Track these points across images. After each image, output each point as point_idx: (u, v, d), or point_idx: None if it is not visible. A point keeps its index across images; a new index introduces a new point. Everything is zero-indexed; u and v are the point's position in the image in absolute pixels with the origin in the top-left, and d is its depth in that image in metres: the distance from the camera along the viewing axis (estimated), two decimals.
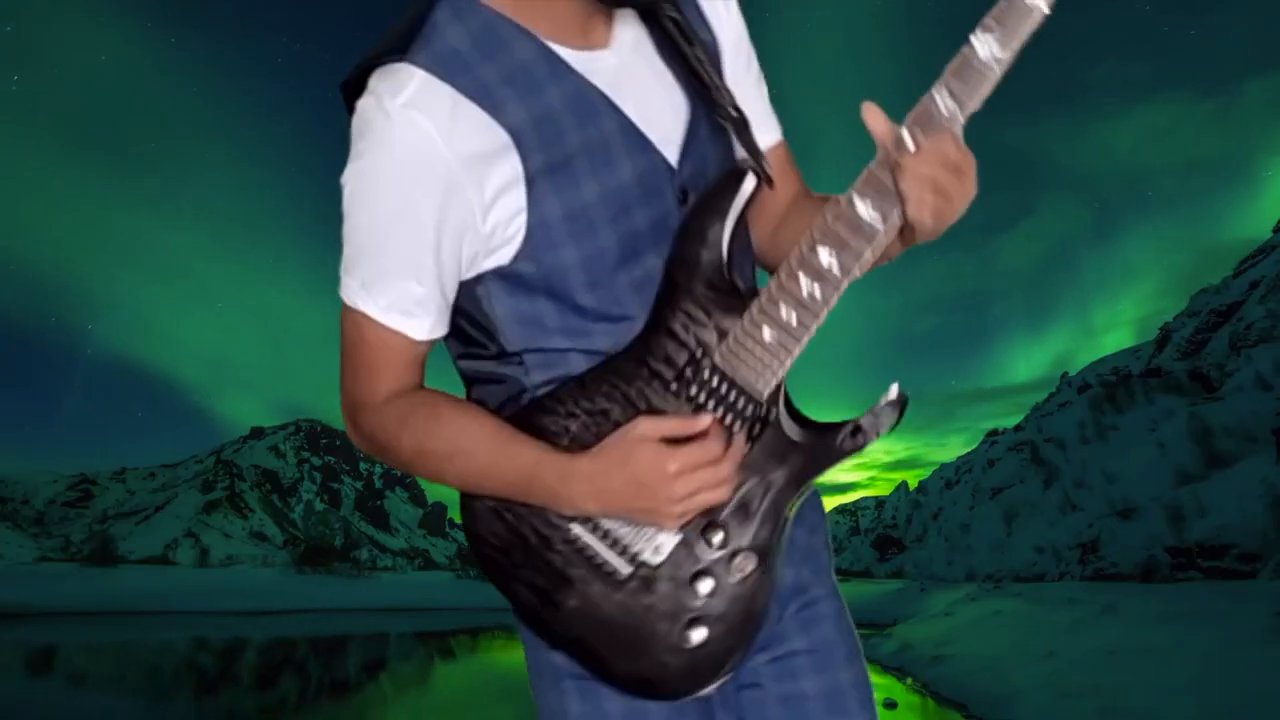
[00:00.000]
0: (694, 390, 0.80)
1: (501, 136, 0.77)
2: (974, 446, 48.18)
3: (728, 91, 0.86)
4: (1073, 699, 7.38)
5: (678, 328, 0.81)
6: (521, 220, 0.80)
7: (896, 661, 14.05)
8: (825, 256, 0.75)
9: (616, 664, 0.82)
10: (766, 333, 0.77)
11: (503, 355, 0.86)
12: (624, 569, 0.82)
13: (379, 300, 0.81)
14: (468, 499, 0.85)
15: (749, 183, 0.80)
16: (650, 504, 0.76)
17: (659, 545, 0.81)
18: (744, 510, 0.81)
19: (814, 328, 0.77)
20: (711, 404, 0.79)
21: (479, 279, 0.84)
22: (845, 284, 0.75)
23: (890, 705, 10.25)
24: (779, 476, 0.80)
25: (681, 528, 0.80)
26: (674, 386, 0.80)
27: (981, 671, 10.39)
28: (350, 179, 0.79)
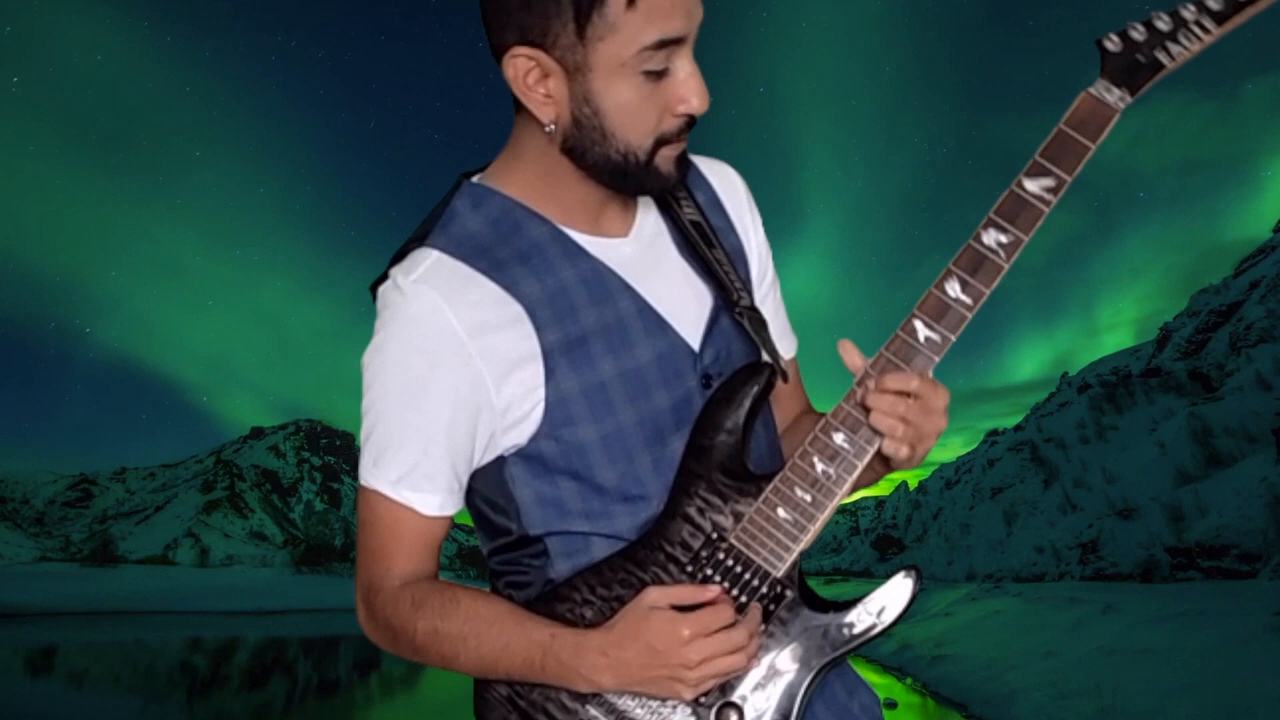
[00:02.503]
0: (709, 571, 0.81)
1: (515, 308, 0.80)
2: (974, 446, 48.17)
3: (749, 291, 0.90)
4: (1072, 699, 7.38)
5: (694, 512, 0.82)
6: (539, 396, 0.81)
7: (896, 661, 14.04)
8: (838, 438, 0.80)
9: None
10: (782, 514, 0.80)
11: (525, 540, 0.86)
12: None
13: (388, 474, 0.82)
14: (481, 687, 0.84)
15: (767, 375, 0.84)
16: (666, 671, 0.75)
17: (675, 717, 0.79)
18: (759, 689, 0.80)
19: (829, 510, 0.80)
20: (726, 584, 0.80)
21: (502, 462, 0.85)
22: (859, 468, 0.80)
23: (890, 705, 10.25)
24: (793, 655, 0.81)
25: (696, 706, 0.79)
26: (689, 569, 0.81)
27: (981, 671, 10.39)
28: (366, 356, 0.83)
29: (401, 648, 0.85)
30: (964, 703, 9.66)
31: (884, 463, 0.83)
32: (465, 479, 0.85)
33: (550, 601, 0.82)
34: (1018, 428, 42.05)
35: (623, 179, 0.81)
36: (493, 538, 0.89)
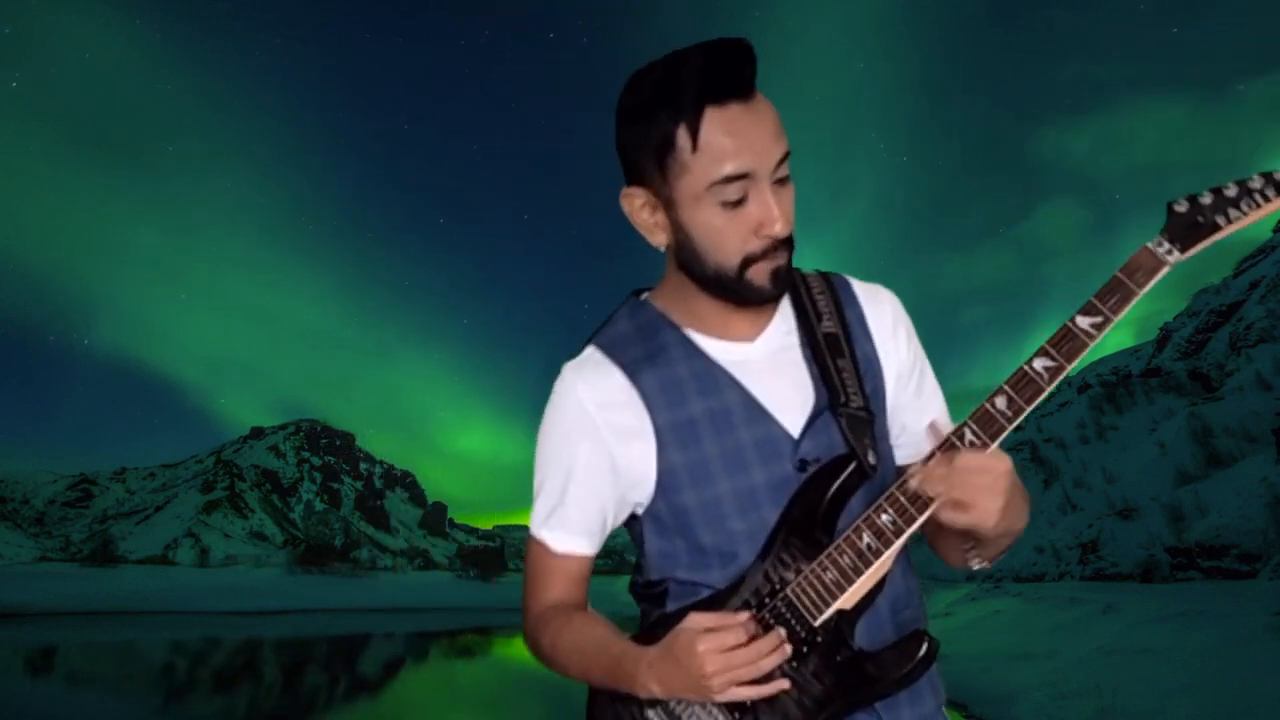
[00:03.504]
0: (767, 614, 0.96)
1: (634, 395, 1.02)
2: None
3: (864, 396, 1.03)
4: (1072, 699, 7.38)
5: (769, 568, 0.98)
6: (652, 466, 1.01)
7: None
8: (885, 518, 0.94)
9: None
10: (829, 575, 0.95)
11: (649, 584, 1.07)
12: None
13: (536, 517, 1.07)
14: (592, 693, 1.06)
15: (851, 467, 0.97)
16: (689, 679, 0.90)
17: None
18: (781, 712, 0.95)
19: (866, 575, 0.94)
20: (780, 626, 0.96)
21: (636, 519, 1.08)
22: (897, 545, 0.94)
23: None
24: (814, 691, 0.95)
25: (730, 713, 0.96)
26: (755, 610, 0.97)
27: (981, 671, 10.38)
28: (541, 425, 1.08)
29: (542, 656, 1.07)
30: (964, 703, 9.66)
31: (963, 533, 0.98)
32: (600, 525, 1.07)
33: (657, 629, 1.00)
34: (1018, 428, 42.12)
35: (723, 290, 0.99)
36: (633, 578, 1.12)
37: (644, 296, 1.10)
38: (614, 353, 1.04)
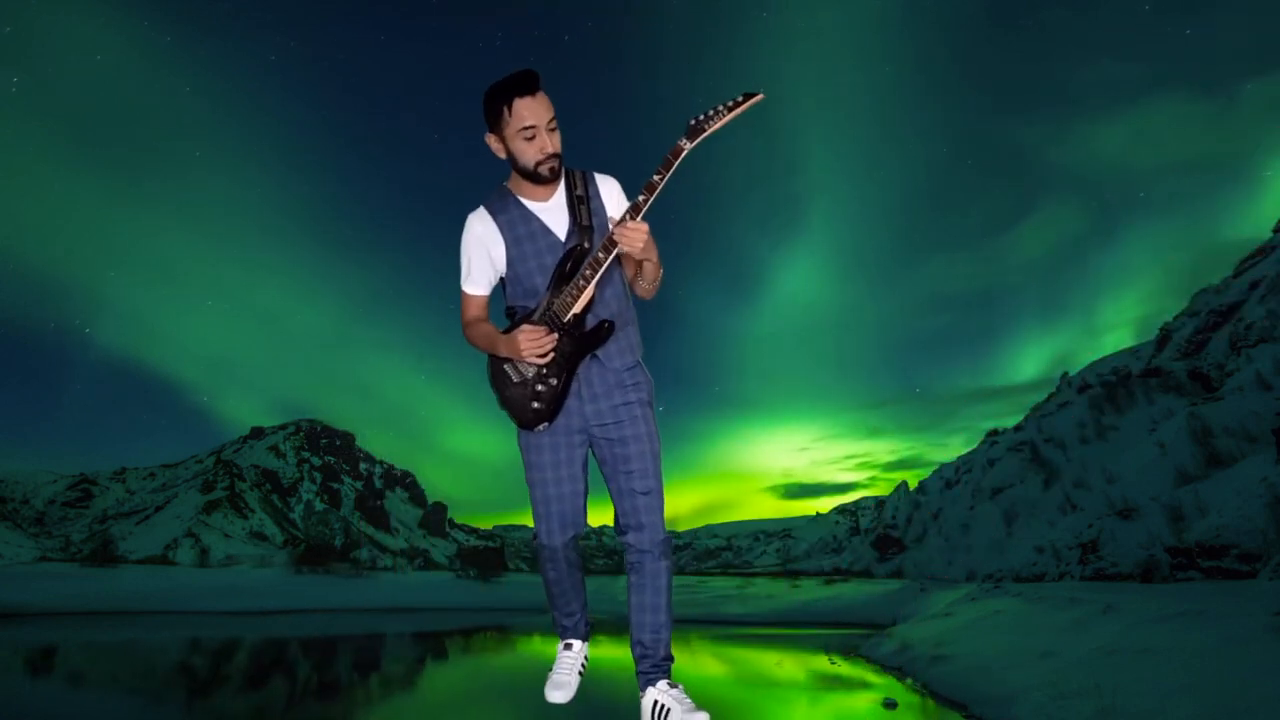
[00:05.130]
0: (546, 318, 2.20)
1: (495, 228, 2.28)
2: (974, 446, 48.02)
3: (593, 223, 2.27)
4: (1072, 699, 7.38)
5: (550, 295, 2.22)
6: (504, 256, 2.28)
7: (896, 661, 14.05)
8: (600, 255, 2.18)
9: (514, 414, 2.27)
10: (570, 296, 2.19)
11: (510, 309, 2.32)
12: (515, 377, 2.24)
13: (462, 280, 2.33)
14: (488, 359, 2.30)
15: (575, 248, 2.22)
16: (516, 352, 2.16)
17: (528, 370, 2.23)
18: (556, 365, 2.22)
19: (589, 289, 2.18)
20: (549, 321, 2.20)
21: (501, 280, 2.34)
22: (603, 269, 2.18)
23: (890, 705, 10.24)
24: (566, 352, 2.22)
25: (538, 366, 2.23)
26: (543, 315, 2.21)
27: (981, 671, 10.38)
28: (461, 239, 2.33)
29: (469, 341, 2.32)
30: (964, 702, 9.66)
31: (635, 263, 2.30)
32: (490, 282, 2.33)
33: (512, 329, 2.23)
34: (1018, 428, 41.97)
35: (529, 176, 2.21)
36: (505, 303, 2.33)
37: (504, 184, 2.29)
38: (488, 207, 2.28)
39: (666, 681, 2.19)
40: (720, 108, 2.04)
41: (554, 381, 2.21)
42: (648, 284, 2.29)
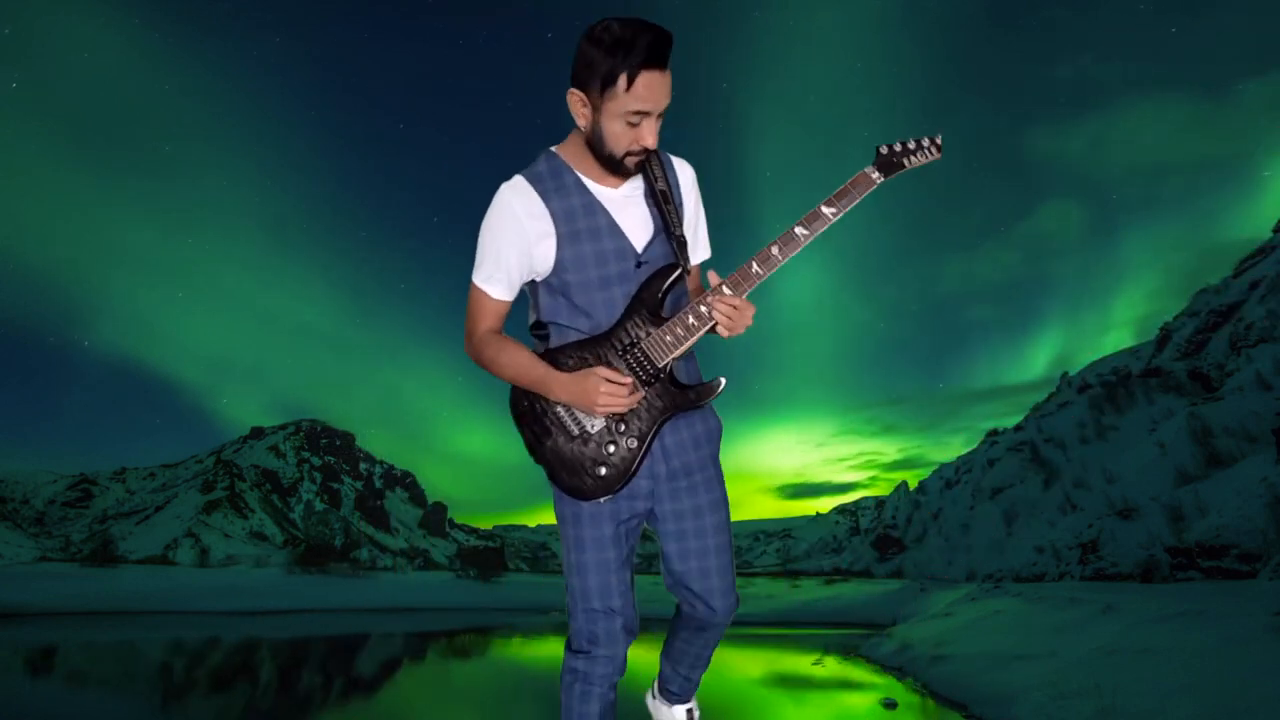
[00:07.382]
0: (628, 359, 1.65)
1: (545, 211, 1.65)
2: (974, 446, 47.98)
3: (678, 228, 1.72)
4: (1072, 699, 7.38)
5: (629, 327, 1.66)
6: (552, 256, 1.66)
7: (896, 661, 14.05)
8: (702, 309, 1.64)
9: (564, 475, 1.66)
10: (669, 337, 1.65)
11: (538, 324, 1.76)
12: (575, 430, 1.66)
13: (479, 275, 1.70)
14: (513, 389, 1.70)
15: (675, 270, 1.68)
16: (583, 399, 1.59)
17: (595, 423, 1.66)
18: (637, 419, 1.66)
19: (691, 340, 1.65)
20: (634, 365, 1.65)
21: (534, 284, 1.74)
22: (707, 327, 1.66)
23: (890, 705, 10.24)
24: (656, 407, 1.66)
25: (609, 418, 1.65)
26: (622, 354, 1.65)
27: (981, 672, 10.38)
28: (485, 220, 1.66)
29: (482, 364, 1.69)
30: (964, 702, 9.66)
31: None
32: (518, 285, 1.71)
33: (554, 355, 1.68)
34: (1017, 428, 41.94)
35: (605, 163, 1.64)
36: (529, 317, 1.79)
37: (554, 149, 1.72)
38: (535, 184, 1.66)
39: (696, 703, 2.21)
40: (924, 147, 1.69)
41: (634, 444, 1.64)
42: None
